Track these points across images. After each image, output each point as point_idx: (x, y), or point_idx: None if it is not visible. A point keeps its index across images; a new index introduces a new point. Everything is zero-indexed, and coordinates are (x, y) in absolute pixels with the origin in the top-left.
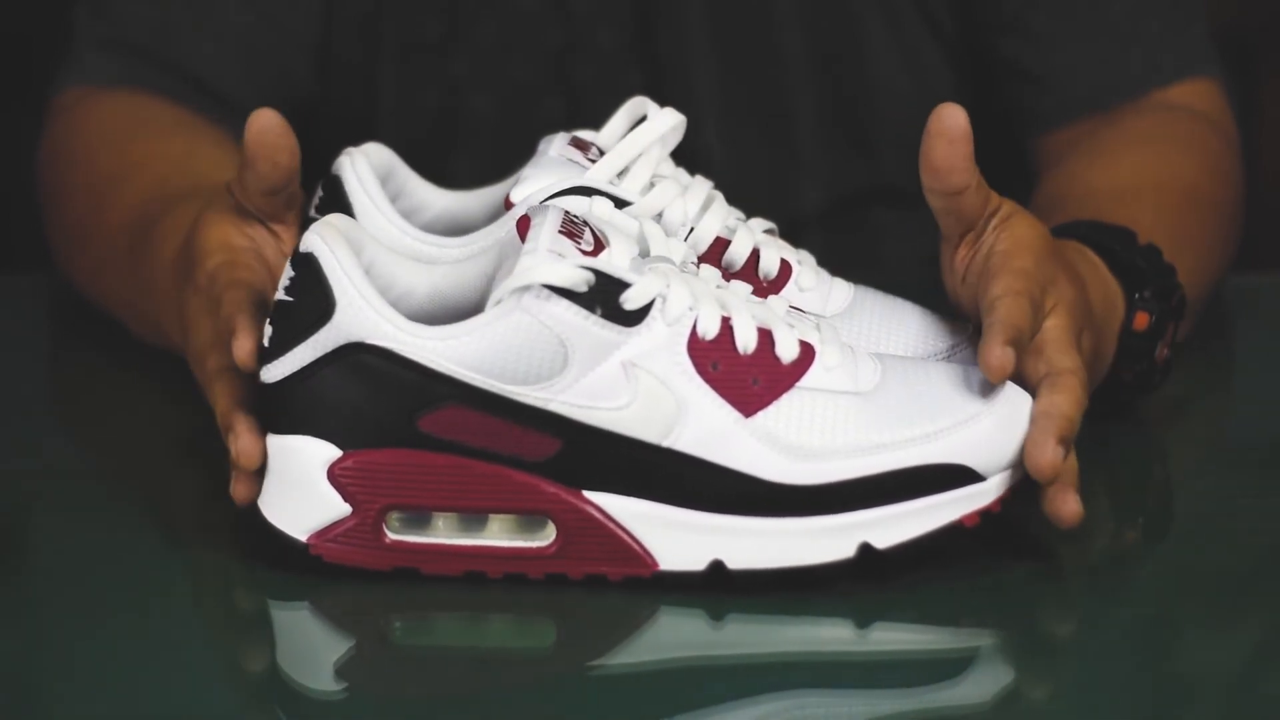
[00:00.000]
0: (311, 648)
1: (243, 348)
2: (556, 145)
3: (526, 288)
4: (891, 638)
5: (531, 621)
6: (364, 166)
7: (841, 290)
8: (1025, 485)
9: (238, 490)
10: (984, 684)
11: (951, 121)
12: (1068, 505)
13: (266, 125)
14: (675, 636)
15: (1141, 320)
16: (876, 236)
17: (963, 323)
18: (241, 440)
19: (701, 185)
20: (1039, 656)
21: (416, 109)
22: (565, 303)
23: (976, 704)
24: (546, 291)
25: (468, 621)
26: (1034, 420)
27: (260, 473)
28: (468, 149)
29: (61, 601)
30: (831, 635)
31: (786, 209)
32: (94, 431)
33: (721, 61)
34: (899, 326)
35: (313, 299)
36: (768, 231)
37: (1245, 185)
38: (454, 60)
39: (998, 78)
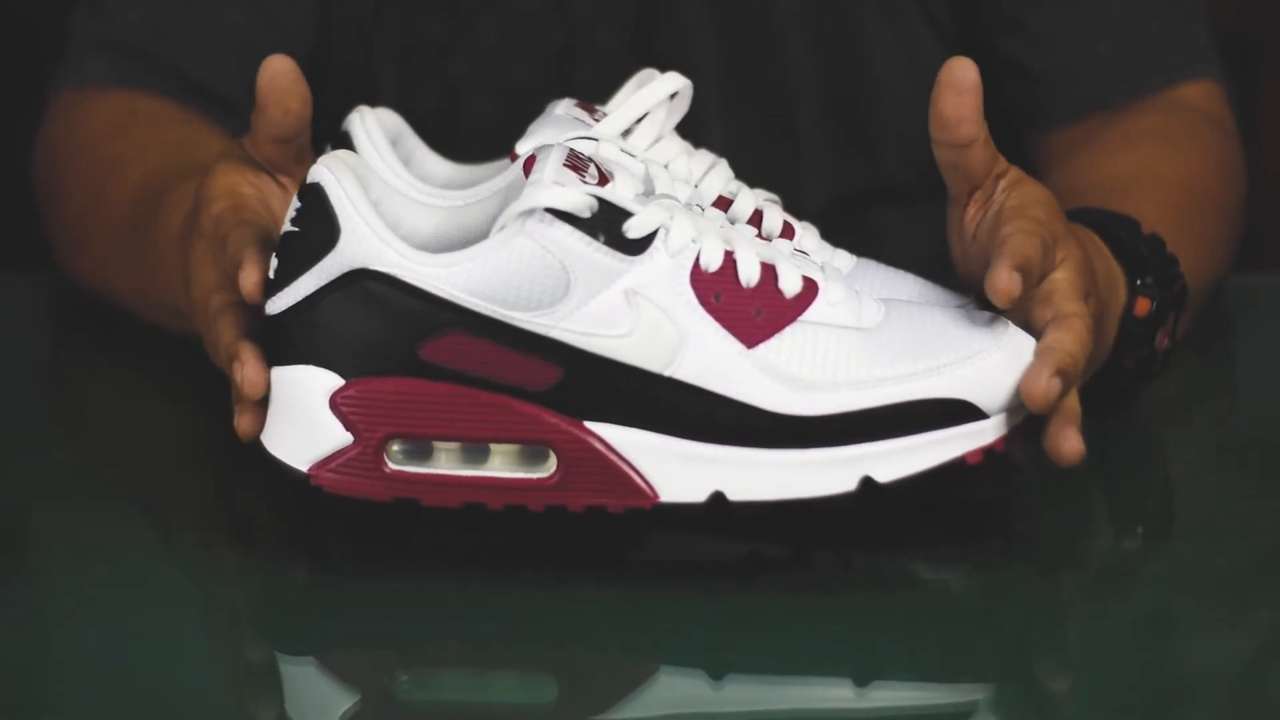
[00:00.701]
0: (317, 703)
1: (250, 278)
2: (563, 106)
3: (530, 212)
4: (890, 695)
5: (534, 678)
6: (374, 124)
7: (843, 258)
8: (1031, 423)
9: (242, 423)
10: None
11: (961, 73)
12: (1068, 442)
13: (279, 70)
14: (676, 694)
15: (1143, 306)
16: (877, 235)
17: (963, 295)
18: (247, 368)
19: (706, 154)
20: (1038, 660)
21: (416, 110)
22: (568, 228)
23: None
24: (550, 216)
25: (472, 677)
26: (1036, 355)
27: (264, 408)
28: (468, 150)
29: (61, 601)
30: (831, 694)
31: (787, 207)
32: (94, 431)
33: (723, 61)
34: (899, 294)
35: (319, 228)
36: (769, 200)
37: (1247, 185)
38: (454, 61)
39: (998, 77)
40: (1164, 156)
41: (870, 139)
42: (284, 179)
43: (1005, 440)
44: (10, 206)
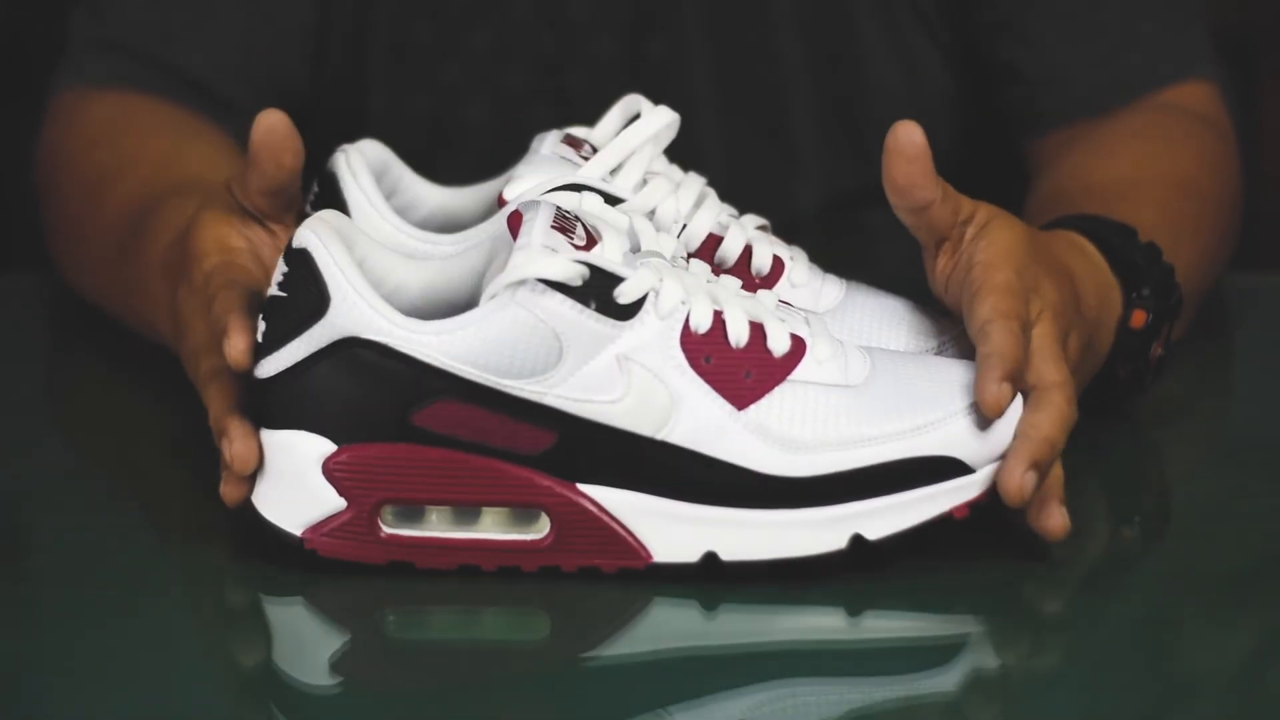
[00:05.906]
0: (306, 644)
1: (236, 347)
2: (549, 143)
3: (521, 282)
4: (884, 626)
5: (526, 614)
6: (359, 163)
7: (833, 286)
8: None
9: (228, 492)
10: (975, 672)
11: (907, 139)
12: (1052, 519)
13: (273, 125)
14: (669, 627)
15: (1139, 318)
16: (871, 237)
17: (950, 319)
18: (236, 445)
19: (694, 182)
20: (1031, 647)
21: (408, 116)
22: (560, 296)
23: (967, 692)
24: (541, 286)
25: (462, 615)
26: (1014, 439)
27: (251, 476)
28: (459, 157)
29: (58, 601)
30: (824, 624)
31: (782, 210)
32: (92, 431)
33: (718, 66)
34: (889, 322)
35: (306, 294)
36: (760, 228)
37: (1243, 186)
38: (446, 67)
39: (994, 80)
40: (1157, 156)
41: (864, 142)
42: (274, 225)
43: (990, 493)
44: (10, 206)
